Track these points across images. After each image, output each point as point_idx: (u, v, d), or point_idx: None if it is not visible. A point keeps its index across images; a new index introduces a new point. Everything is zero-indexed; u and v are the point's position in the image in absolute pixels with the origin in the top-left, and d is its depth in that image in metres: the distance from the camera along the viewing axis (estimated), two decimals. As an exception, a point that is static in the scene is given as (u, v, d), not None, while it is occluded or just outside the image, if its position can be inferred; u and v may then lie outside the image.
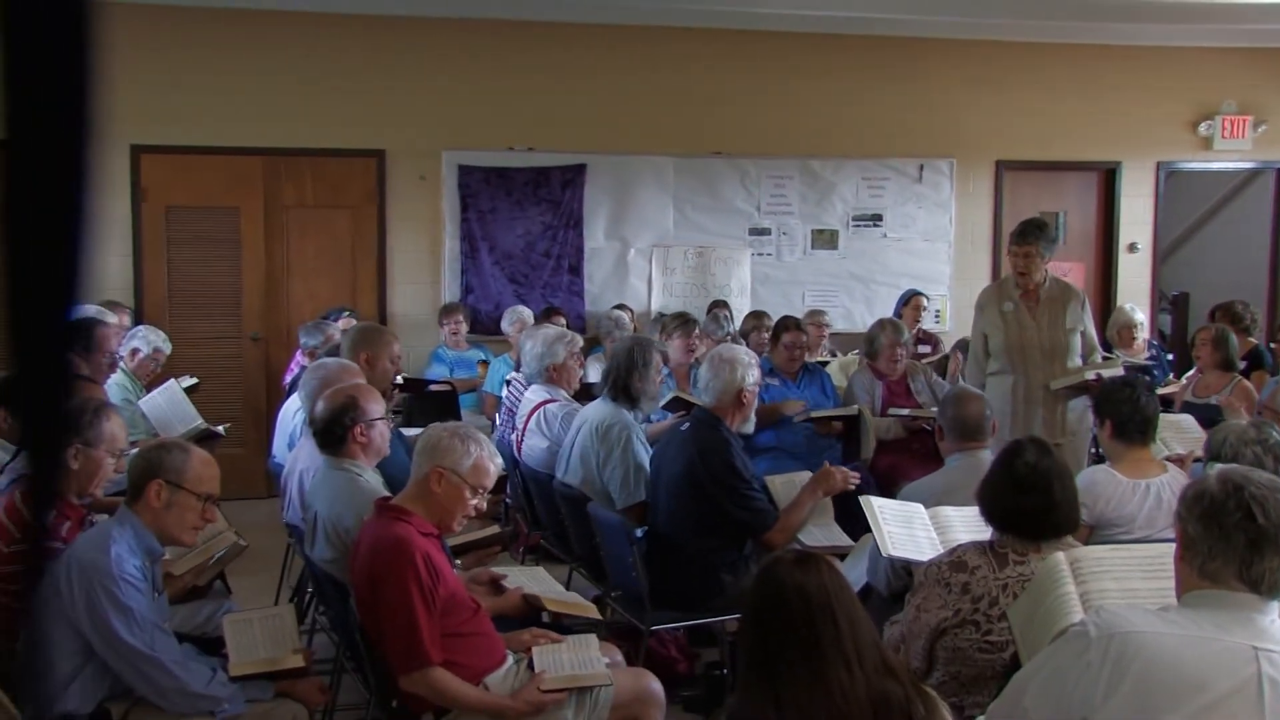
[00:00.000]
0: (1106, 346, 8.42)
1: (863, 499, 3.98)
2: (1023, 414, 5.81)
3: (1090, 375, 5.83)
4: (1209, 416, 5.74)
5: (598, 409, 5.39)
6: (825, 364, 7.55)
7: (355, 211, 8.92)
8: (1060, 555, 2.92)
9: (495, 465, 3.72)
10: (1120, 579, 2.84)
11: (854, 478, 4.81)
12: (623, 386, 5.30)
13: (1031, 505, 3.19)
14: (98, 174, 0.92)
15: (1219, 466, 2.87)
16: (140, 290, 8.51)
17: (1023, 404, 5.85)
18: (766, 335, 7.41)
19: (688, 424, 4.97)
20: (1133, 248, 10.21)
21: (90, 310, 6.79)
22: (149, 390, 6.67)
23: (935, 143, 9.74)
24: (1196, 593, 2.29)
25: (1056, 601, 2.79)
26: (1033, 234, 5.95)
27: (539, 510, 5.91)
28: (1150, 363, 7.98)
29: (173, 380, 6.52)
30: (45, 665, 3.30)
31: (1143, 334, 8.40)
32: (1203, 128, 10.14)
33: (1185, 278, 11.37)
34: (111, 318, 6.85)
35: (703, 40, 9.21)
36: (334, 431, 4.16)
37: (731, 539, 4.75)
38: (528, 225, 9.12)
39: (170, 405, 6.15)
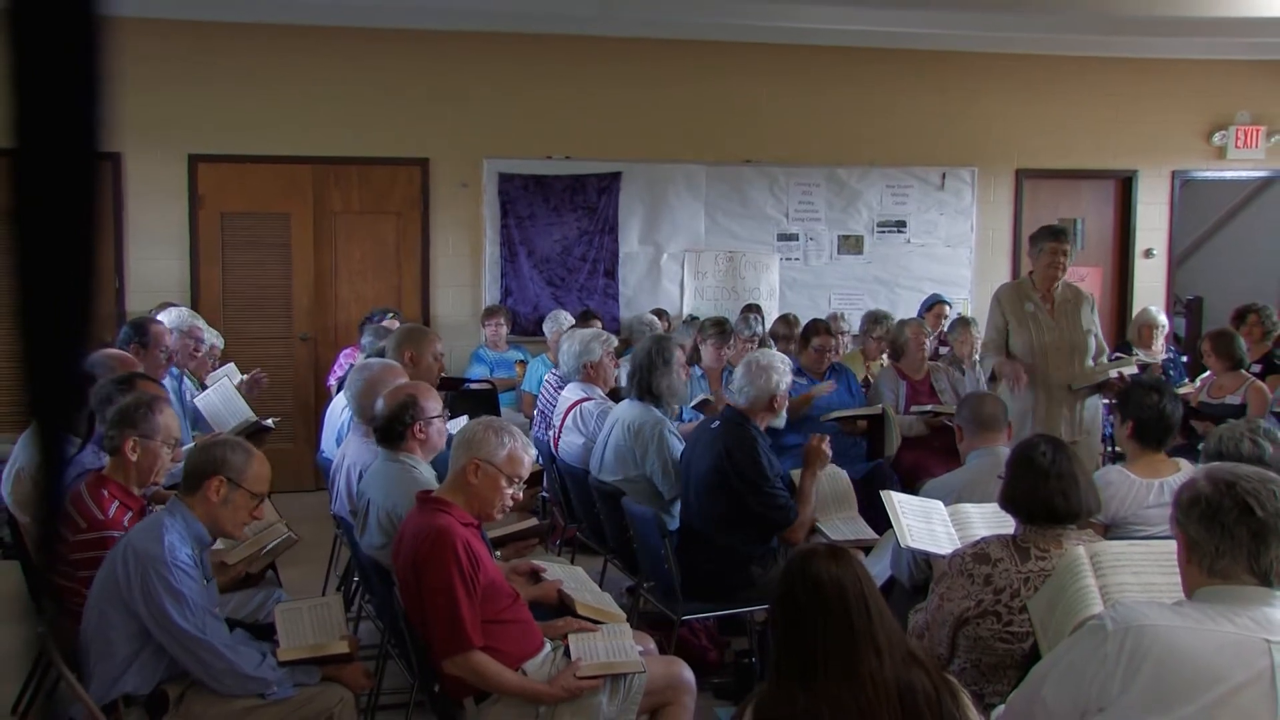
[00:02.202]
0: (1126, 346, 8.55)
1: (883, 494, 4.05)
2: (1044, 413, 5.87)
3: (1113, 374, 5.94)
4: (1224, 416, 5.79)
5: (628, 409, 5.47)
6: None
7: (400, 217, 9.08)
8: (1081, 549, 2.96)
9: (529, 455, 3.78)
10: (1139, 573, 2.88)
11: (826, 450, 4.92)
12: (647, 386, 5.40)
13: (1054, 488, 3.23)
14: (102, 181, 0.92)
15: (1203, 466, 2.93)
16: (196, 292, 8.70)
17: (1044, 403, 5.90)
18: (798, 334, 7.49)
19: (717, 421, 5.06)
20: (1148, 253, 10.30)
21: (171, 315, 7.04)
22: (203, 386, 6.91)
23: (957, 152, 9.86)
24: (1207, 589, 2.32)
25: (1077, 594, 2.82)
26: (1066, 235, 6.06)
27: (575, 504, 6.00)
28: (1165, 361, 8.09)
29: (225, 377, 6.70)
30: (106, 648, 3.39)
31: (1162, 335, 8.49)
32: (1217, 138, 10.20)
33: (1199, 283, 11.39)
34: (188, 320, 7.06)
35: (734, 53, 9.34)
36: (394, 428, 4.26)
37: (758, 532, 4.85)
38: (565, 230, 9.26)
39: (223, 401, 6.27)
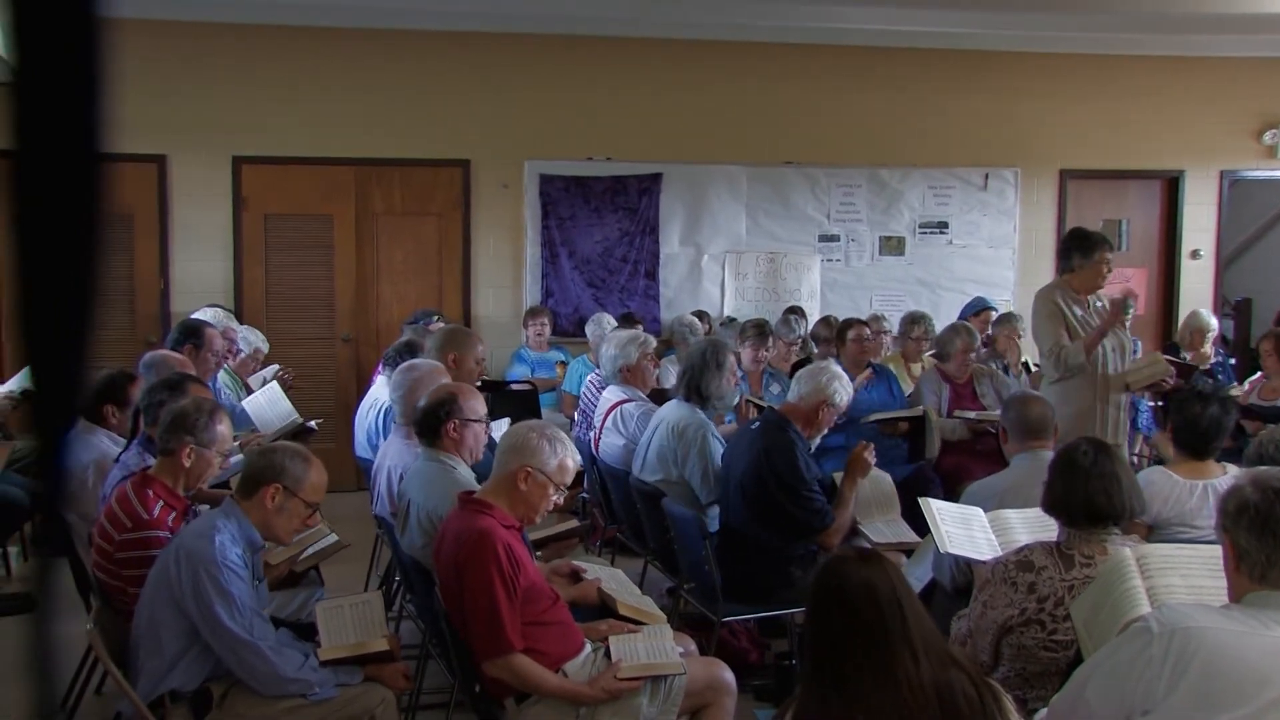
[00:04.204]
0: (1174, 348, 8.46)
1: (921, 500, 4.03)
2: (1098, 414, 5.77)
3: (1166, 375, 5.88)
4: (1277, 419, 5.71)
5: (673, 409, 5.48)
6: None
7: (442, 218, 9.13)
8: (1127, 551, 2.93)
9: (575, 462, 3.79)
10: (1187, 576, 2.85)
11: (870, 457, 4.90)
12: (695, 387, 5.40)
13: (1096, 487, 3.19)
14: (106, 185, 0.92)
15: (1247, 471, 2.91)
16: (240, 293, 8.79)
17: (1099, 406, 5.80)
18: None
19: (757, 423, 5.07)
20: (1195, 254, 10.17)
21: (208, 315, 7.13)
22: (248, 388, 6.99)
23: (1000, 152, 9.80)
24: (1256, 594, 2.30)
25: (1123, 596, 2.79)
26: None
27: (615, 505, 6.01)
28: (1214, 364, 8.00)
29: (274, 381, 6.79)
30: (155, 645, 3.43)
31: (1211, 339, 8.40)
32: (1267, 137, 10.06)
33: (1248, 284, 11.25)
34: (223, 321, 7.14)
35: (775, 55, 9.32)
36: (429, 422, 4.28)
37: (795, 535, 4.84)
38: (605, 232, 9.29)
39: (270, 404, 6.34)
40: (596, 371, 6.94)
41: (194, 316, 7.05)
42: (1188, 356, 7.97)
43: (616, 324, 8.23)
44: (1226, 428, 4.35)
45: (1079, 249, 5.87)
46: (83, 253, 0.90)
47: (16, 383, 6.45)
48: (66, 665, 4.64)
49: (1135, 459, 7.56)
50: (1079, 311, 5.83)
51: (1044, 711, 2.60)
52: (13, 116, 0.85)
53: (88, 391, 4.88)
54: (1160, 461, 4.85)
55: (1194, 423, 4.30)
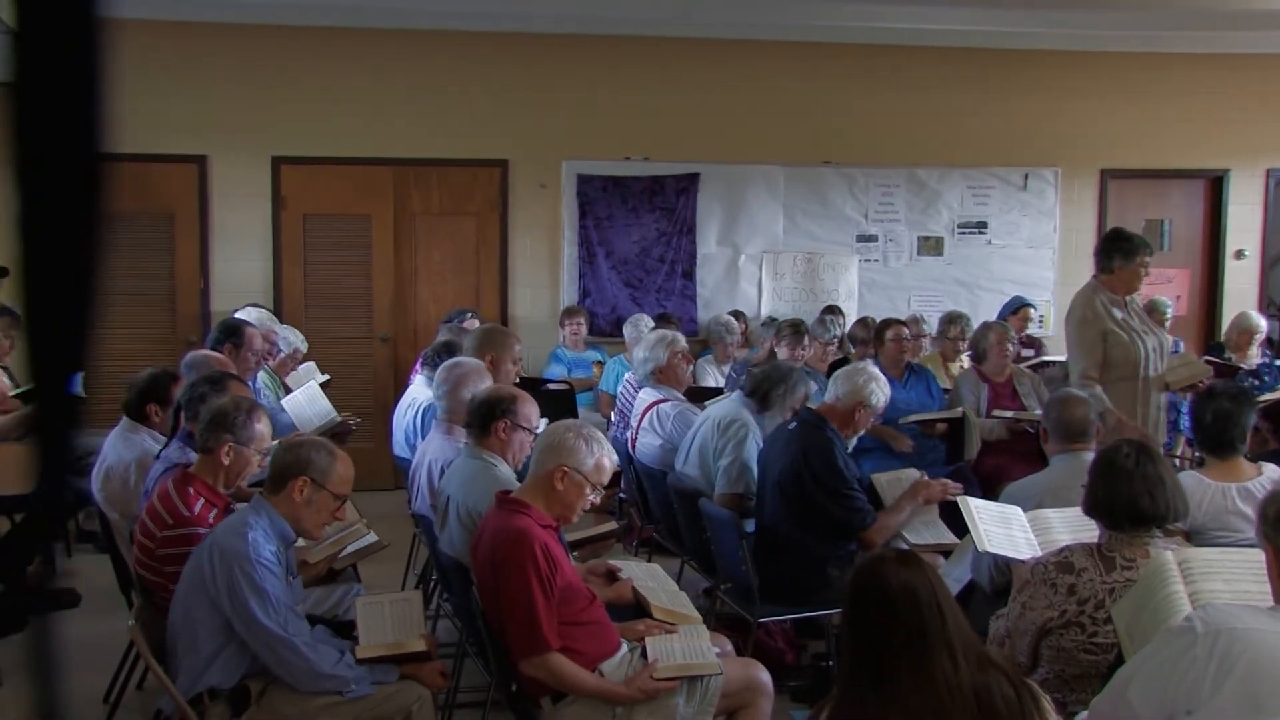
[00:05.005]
0: (1218, 349, 8.38)
1: (960, 499, 4.02)
2: (1141, 416, 5.69)
3: (1205, 375, 5.81)
4: None
5: (725, 405, 5.55)
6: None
7: (479, 218, 9.15)
8: (1168, 555, 2.89)
9: (612, 461, 3.80)
10: (1231, 581, 2.81)
11: (955, 488, 4.88)
12: (764, 391, 5.44)
13: (1139, 488, 3.16)
14: (107, 186, 0.93)
15: None
16: (279, 293, 8.86)
17: (1139, 406, 5.73)
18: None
19: (794, 423, 5.07)
20: (1239, 254, 10.05)
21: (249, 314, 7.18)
22: (286, 387, 7.04)
23: (1040, 152, 9.72)
24: None
25: (1165, 600, 2.76)
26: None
27: (652, 505, 6.03)
28: (1260, 365, 7.92)
29: (313, 380, 6.84)
30: (192, 642, 3.46)
31: (1259, 340, 8.32)
32: (1316, 134, 9.91)
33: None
34: (266, 323, 7.19)
35: (813, 54, 9.29)
36: (483, 416, 4.30)
37: (834, 534, 4.84)
38: (643, 232, 9.29)
39: (309, 403, 6.40)
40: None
41: (236, 316, 7.10)
42: (1233, 357, 7.89)
43: (654, 324, 8.23)
44: (1240, 423, 4.25)
45: (1121, 251, 5.78)
46: (83, 253, 0.90)
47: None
48: (108, 661, 4.71)
49: (1177, 461, 7.48)
50: (1119, 314, 5.76)
51: (1084, 714, 2.57)
52: (13, 117, 0.85)
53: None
54: (1203, 464, 4.80)
55: (1203, 420, 4.26)
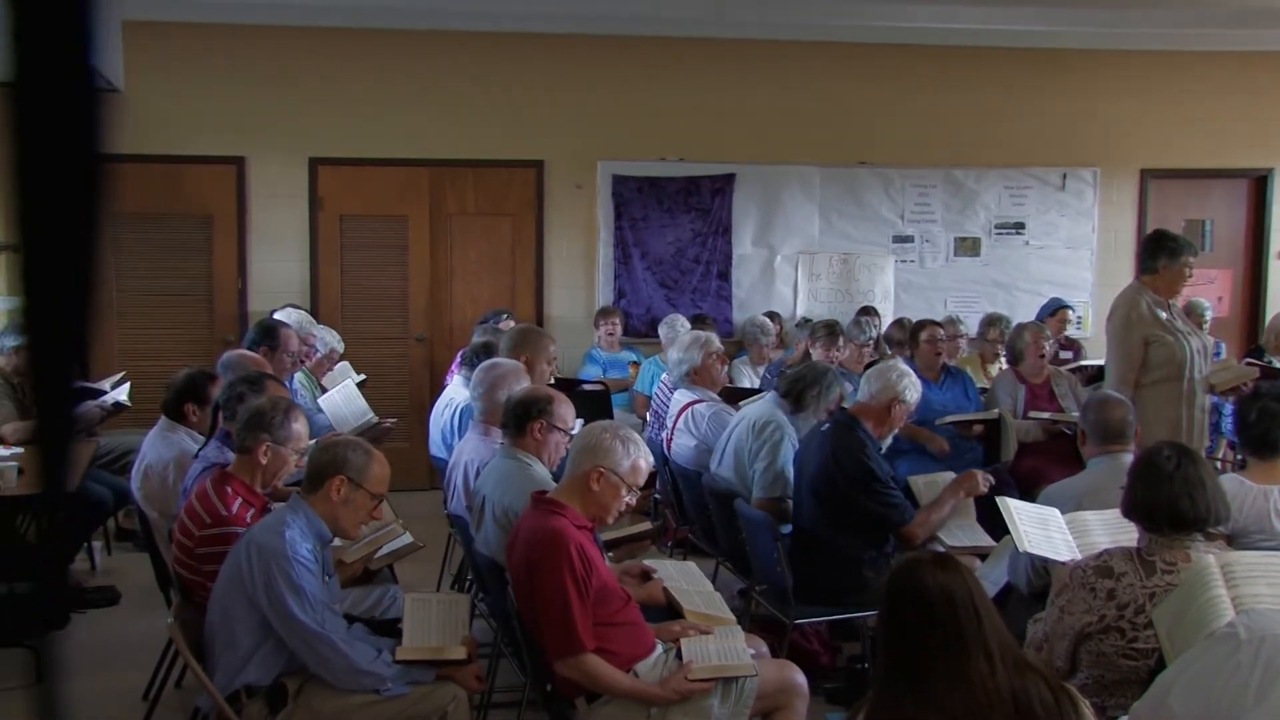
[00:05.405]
0: (1258, 352, 8.28)
1: (999, 500, 3.99)
2: (1185, 418, 5.62)
3: (1249, 377, 5.75)
4: None
5: (760, 406, 5.53)
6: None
7: (515, 219, 9.17)
8: (1210, 558, 2.87)
9: (648, 463, 3.79)
10: (1275, 585, 2.78)
11: (992, 480, 4.90)
12: (798, 392, 5.43)
13: (1179, 490, 3.13)
14: (107, 187, 0.92)
15: None
16: (316, 293, 8.90)
17: (1184, 409, 5.64)
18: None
19: (828, 424, 5.06)
20: (1282, 255, 9.96)
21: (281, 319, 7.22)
22: (323, 387, 7.08)
23: (1079, 152, 9.64)
24: None
25: (1208, 604, 2.74)
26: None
27: (687, 506, 6.01)
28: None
29: (349, 380, 6.88)
30: (230, 639, 3.49)
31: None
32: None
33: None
34: (306, 326, 7.23)
35: (849, 54, 9.27)
36: (518, 415, 4.30)
37: (869, 536, 4.83)
38: (678, 232, 9.28)
39: (346, 402, 6.41)
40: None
41: (273, 316, 7.14)
42: (1273, 360, 7.79)
43: (689, 325, 8.22)
44: (1269, 429, 4.20)
45: (1167, 251, 5.72)
46: (83, 254, 0.90)
47: (112, 396, 6.58)
48: (149, 658, 4.75)
49: (1219, 464, 7.41)
50: (1163, 315, 5.69)
51: (1124, 719, 2.53)
52: (12, 116, 0.85)
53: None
54: (1244, 466, 4.75)
55: (1247, 418, 4.22)
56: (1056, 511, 3.94)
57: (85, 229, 0.90)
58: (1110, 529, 3.70)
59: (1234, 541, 4.00)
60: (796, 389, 5.44)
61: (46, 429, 0.94)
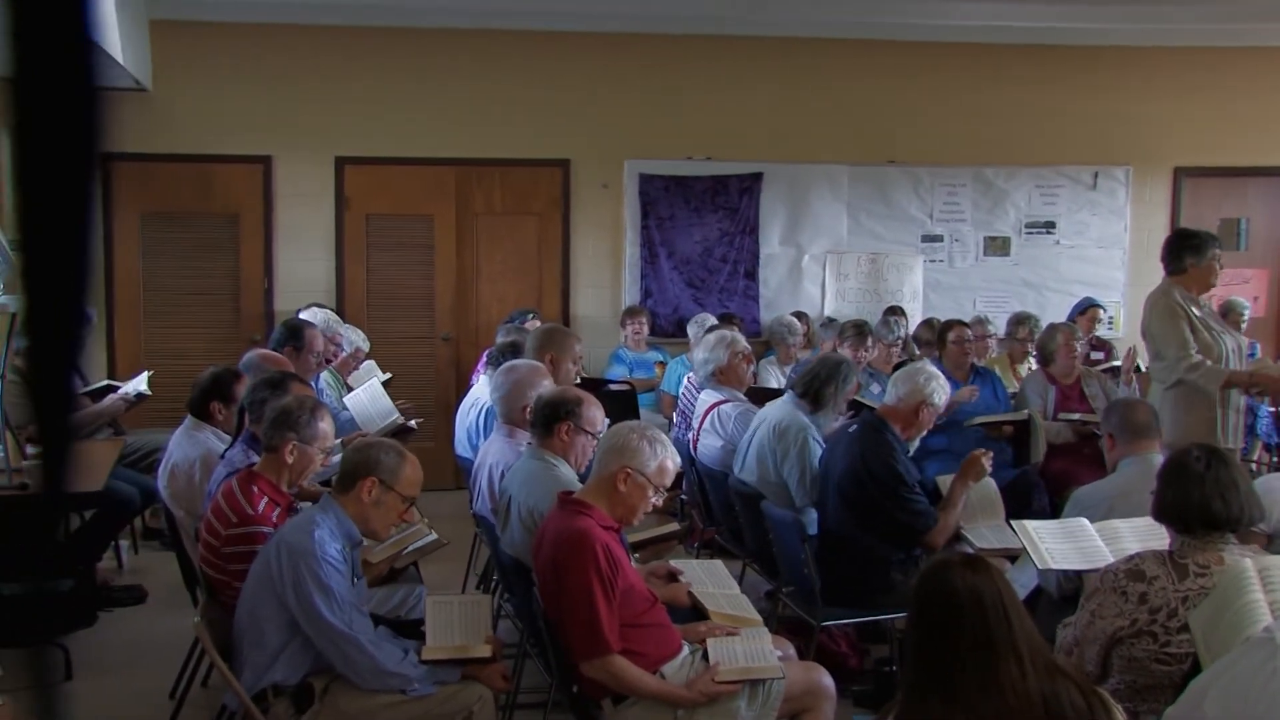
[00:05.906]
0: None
1: (1015, 524, 3.98)
2: (1219, 420, 5.50)
3: None
4: None
5: (778, 409, 5.48)
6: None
7: (541, 218, 9.17)
8: (1247, 561, 2.82)
9: (675, 464, 3.77)
10: None
11: (988, 454, 4.88)
12: (815, 391, 5.40)
13: (1211, 492, 3.08)
14: (99, 183, 0.96)
15: None
16: (342, 292, 8.92)
17: (1219, 409, 5.53)
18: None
19: (855, 426, 5.04)
20: (1320, 253, 9.80)
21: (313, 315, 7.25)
22: (349, 386, 7.09)
23: (1110, 150, 9.56)
24: None
25: (1244, 608, 2.69)
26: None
27: (713, 506, 6.00)
28: None
29: (375, 379, 6.89)
30: (258, 638, 3.49)
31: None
32: (1401, 128, 9.62)
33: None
34: (332, 327, 7.25)
35: (877, 52, 9.23)
36: (546, 416, 4.31)
37: (899, 538, 4.80)
38: (705, 232, 9.26)
39: (371, 402, 6.43)
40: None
41: (301, 316, 7.16)
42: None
43: (717, 324, 8.18)
44: None
45: (1190, 249, 5.63)
46: (82, 255, 0.89)
47: (134, 386, 6.63)
48: (175, 656, 4.77)
49: (1254, 466, 7.32)
50: (1197, 311, 5.61)
51: (1158, 723, 2.52)
52: (12, 116, 0.84)
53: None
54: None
55: None
56: (1085, 521, 3.90)
57: (84, 229, 0.89)
58: (1141, 536, 3.65)
59: (1273, 541, 3.94)
60: (814, 387, 5.42)
61: (46, 429, 0.93)
